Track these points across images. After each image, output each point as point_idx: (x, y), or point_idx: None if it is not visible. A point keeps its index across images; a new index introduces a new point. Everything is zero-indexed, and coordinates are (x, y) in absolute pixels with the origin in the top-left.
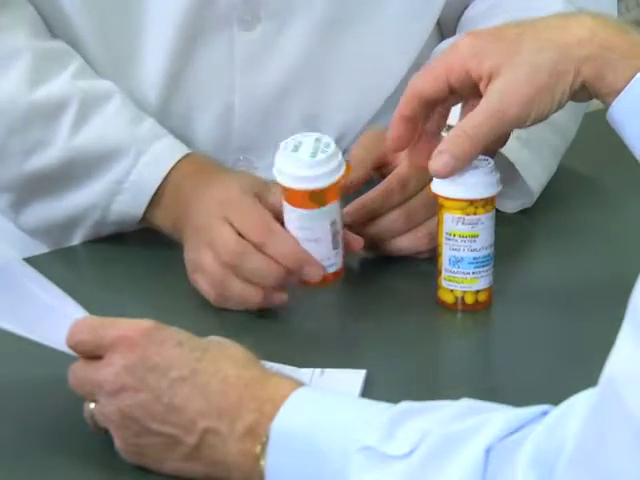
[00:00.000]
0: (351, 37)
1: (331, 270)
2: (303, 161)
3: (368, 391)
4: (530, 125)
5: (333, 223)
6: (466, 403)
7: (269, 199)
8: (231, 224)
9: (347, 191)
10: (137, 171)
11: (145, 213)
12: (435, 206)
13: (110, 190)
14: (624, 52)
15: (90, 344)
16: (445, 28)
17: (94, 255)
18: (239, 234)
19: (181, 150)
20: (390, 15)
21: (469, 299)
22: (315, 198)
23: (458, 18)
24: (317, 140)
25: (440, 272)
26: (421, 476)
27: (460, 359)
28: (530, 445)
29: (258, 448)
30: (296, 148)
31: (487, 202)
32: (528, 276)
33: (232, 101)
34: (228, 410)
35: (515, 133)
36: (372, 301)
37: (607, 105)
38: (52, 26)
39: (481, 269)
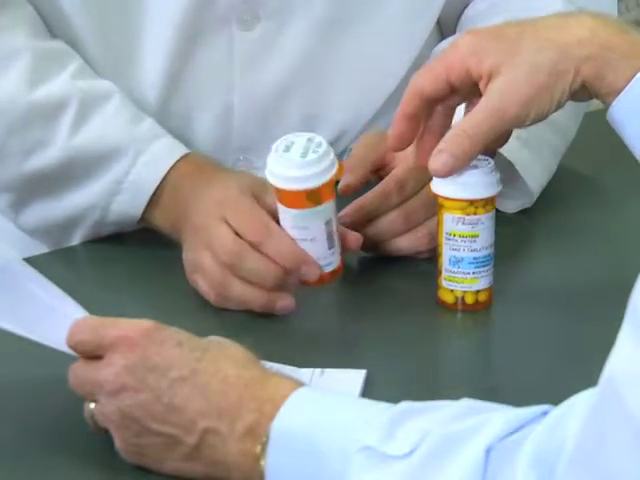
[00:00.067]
0: (351, 37)
1: (328, 269)
2: (294, 161)
3: (368, 391)
4: (530, 124)
5: (328, 222)
6: (466, 403)
7: (267, 199)
8: (229, 224)
9: (346, 193)
10: (136, 171)
11: (144, 213)
12: (434, 206)
13: (109, 190)
14: (624, 52)
15: (90, 344)
16: (445, 27)
17: (94, 255)
18: (237, 234)
19: (180, 150)
20: (390, 15)
21: (469, 299)
22: (308, 198)
23: (458, 17)
24: (309, 140)
25: (440, 272)
26: (421, 476)
27: (460, 359)
28: (530, 445)
29: (258, 448)
30: (287, 148)
31: (487, 202)
32: (528, 276)
33: (232, 101)
34: (228, 410)
35: (515, 133)
36: (372, 301)
37: (607, 105)
38: (51, 26)
39: (481, 269)
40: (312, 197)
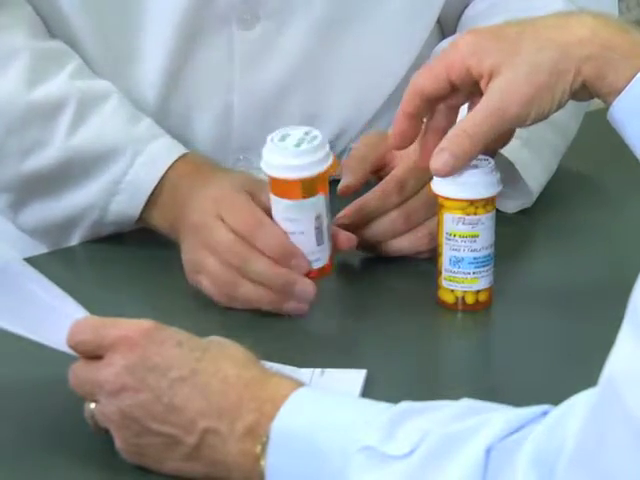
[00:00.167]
0: (351, 36)
1: (315, 266)
2: (288, 150)
3: (368, 391)
4: (530, 124)
5: (318, 217)
6: (466, 403)
7: (262, 197)
8: (224, 220)
9: (345, 193)
10: (134, 171)
11: (142, 213)
12: (435, 206)
13: (108, 190)
14: (625, 52)
15: (90, 344)
16: (446, 27)
17: (93, 255)
18: (234, 232)
19: (178, 150)
20: (390, 14)
21: (469, 299)
22: (302, 188)
23: (458, 17)
24: (305, 133)
25: (440, 272)
26: (421, 476)
27: (460, 359)
28: (530, 445)
29: (258, 448)
30: (283, 138)
31: (487, 202)
32: (528, 276)
33: (231, 100)
34: (228, 410)
35: (515, 132)
36: (372, 301)
37: (608, 105)
38: (50, 26)
39: (481, 269)
40: (305, 187)
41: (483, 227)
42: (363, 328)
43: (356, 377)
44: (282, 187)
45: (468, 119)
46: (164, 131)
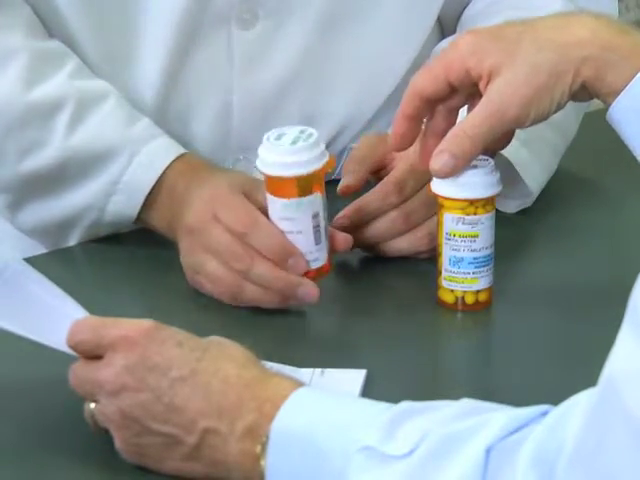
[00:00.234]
0: (350, 35)
1: (314, 266)
2: (283, 148)
3: (368, 391)
4: (530, 125)
5: (315, 216)
6: (466, 403)
7: (257, 197)
8: (219, 221)
9: (345, 194)
10: (131, 171)
11: (140, 213)
12: (434, 206)
13: (105, 191)
14: (625, 52)
15: (90, 344)
16: (445, 26)
17: (93, 255)
18: (230, 232)
19: (175, 150)
20: (389, 13)
21: (469, 299)
22: (297, 186)
23: (458, 16)
24: (301, 131)
25: (440, 272)
26: (421, 476)
27: (460, 359)
28: (530, 445)
29: (258, 448)
30: (279, 137)
31: (487, 202)
32: (528, 276)
33: (231, 100)
34: (228, 410)
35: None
36: (372, 301)
37: (608, 105)
38: (49, 26)
39: (481, 269)
40: (301, 185)
41: (483, 227)
42: (363, 328)
43: (356, 377)
44: (278, 185)
45: (468, 120)
46: (162, 131)
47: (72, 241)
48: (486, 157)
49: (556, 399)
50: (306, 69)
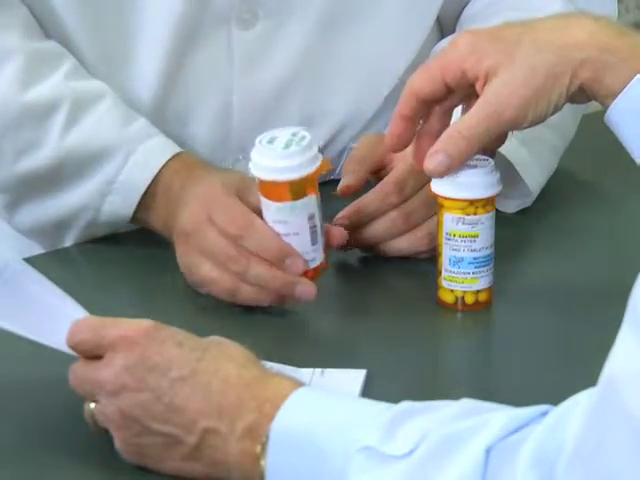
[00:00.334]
0: (350, 35)
1: (311, 266)
2: (277, 152)
3: (368, 391)
4: (527, 127)
5: (311, 217)
6: (466, 403)
7: (251, 198)
8: (214, 223)
9: (345, 194)
10: (127, 171)
11: (137, 213)
12: (434, 206)
13: (101, 190)
14: (623, 55)
15: (90, 344)
16: (445, 26)
17: (92, 256)
18: (225, 235)
19: (171, 149)
20: (389, 13)
21: (469, 299)
22: (291, 190)
23: (458, 16)
24: (293, 134)
25: (440, 272)
26: (421, 476)
27: (460, 359)
28: (530, 445)
29: (258, 448)
30: (271, 141)
31: (487, 202)
32: (528, 276)
33: (230, 100)
34: (228, 410)
35: (514, 133)
36: (372, 301)
37: (606, 107)
38: (45, 26)
39: (481, 269)
40: (295, 189)
41: (483, 227)
42: (363, 328)
43: (356, 377)
44: (271, 189)
45: (464, 120)
46: (158, 131)
47: (69, 241)
48: (486, 157)
49: (556, 399)
50: (306, 69)
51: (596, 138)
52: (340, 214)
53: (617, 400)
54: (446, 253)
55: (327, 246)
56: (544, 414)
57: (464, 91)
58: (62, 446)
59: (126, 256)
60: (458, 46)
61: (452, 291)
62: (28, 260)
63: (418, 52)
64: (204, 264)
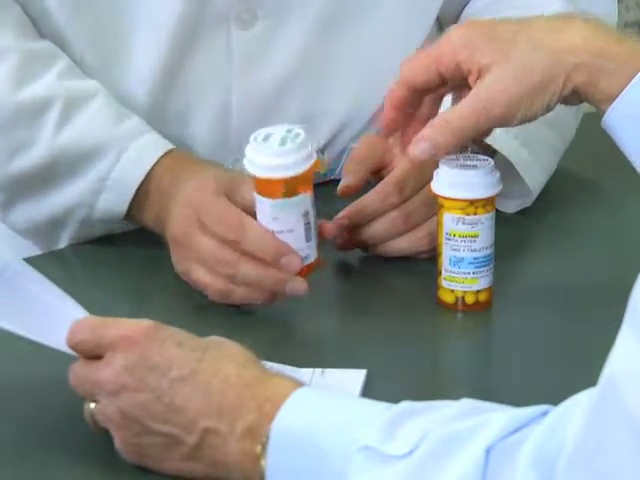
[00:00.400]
0: (349, 35)
1: (306, 262)
2: (272, 150)
3: (368, 391)
4: (517, 124)
5: (305, 214)
6: (466, 403)
7: (239, 196)
8: (206, 227)
9: (346, 194)
10: (119, 168)
11: (131, 211)
12: (434, 206)
13: (94, 188)
14: (618, 59)
15: (90, 344)
16: (445, 25)
17: (91, 256)
18: (219, 239)
19: (163, 146)
20: (388, 12)
21: (469, 299)
22: (286, 187)
23: (458, 15)
24: (288, 131)
25: (440, 272)
26: (421, 476)
27: (460, 359)
28: (530, 445)
29: (258, 448)
30: (266, 138)
31: (487, 202)
32: (528, 276)
33: (230, 100)
34: (228, 410)
35: (513, 132)
36: (372, 301)
37: (601, 112)
38: (39, 26)
39: (481, 269)
40: (289, 186)
41: (483, 227)
42: (363, 328)
43: (356, 377)
44: (266, 187)
45: (454, 112)
46: (150, 128)
47: (64, 241)
48: (486, 157)
49: (556, 399)
50: (305, 69)
51: (596, 138)
52: (340, 214)
53: (617, 400)
54: (446, 253)
55: (320, 242)
56: (544, 414)
57: (458, 82)
58: (62, 446)
59: (125, 256)
60: (451, 38)
61: (452, 291)
62: (28, 260)
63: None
64: (197, 270)
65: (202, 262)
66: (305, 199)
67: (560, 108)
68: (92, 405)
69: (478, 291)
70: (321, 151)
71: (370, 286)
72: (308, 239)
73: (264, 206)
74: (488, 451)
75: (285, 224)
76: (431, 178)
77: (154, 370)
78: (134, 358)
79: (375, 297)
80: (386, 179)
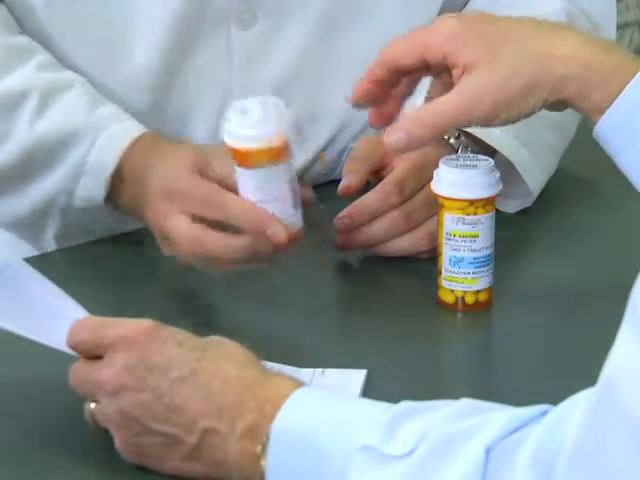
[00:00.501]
0: (349, 35)
1: (293, 229)
2: (251, 120)
3: (368, 391)
4: (497, 125)
5: (290, 181)
6: (466, 403)
7: (210, 172)
8: (183, 210)
9: (346, 194)
10: (94, 153)
11: (110, 197)
12: (434, 206)
13: (72, 175)
14: (606, 72)
15: (90, 344)
16: None
17: (91, 256)
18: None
19: (136, 130)
20: (388, 12)
21: (469, 299)
22: (269, 155)
23: None
24: (263, 101)
25: (440, 272)
26: (421, 476)
27: (460, 359)
28: (530, 445)
29: (258, 448)
30: (244, 109)
31: (487, 202)
32: (528, 276)
33: (230, 100)
34: (228, 410)
35: (513, 132)
36: (372, 301)
37: (592, 121)
38: (25, 26)
39: (481, 269)
40: (273, 154)
41: (483, 227)
42: (363, 328)
43: (356, 377)
44: (249, 157)
45: (435, 106)
46: (128, 115)
47: (49, 234)
48: (486, 157)
49: (556, 399)
50: (305, 69)
51: None
52: (341, 214)
53: (616, 400)
54: (446, 253)
55: (303, 207)
56: (544, 414)
57: (441, 70)
58: (62, 446)
59: (126, 257)
60: (442, 28)
61: (452, 291)
62: (28, 260)
63: None
64: (179, 253)
65: (178, 245)
66: (289, 166)
67: None
68: (92, 405)
69: (478, 291)
70: (323, 150)
71: (370, 286)
72: (295, 206)
73: (246, 177)
74: (488, 451)
75: (270, 193)
76: (431, 178)
77: (154, 370)
78: (134, 358)
79: (375, 297)
80: (386, 179)
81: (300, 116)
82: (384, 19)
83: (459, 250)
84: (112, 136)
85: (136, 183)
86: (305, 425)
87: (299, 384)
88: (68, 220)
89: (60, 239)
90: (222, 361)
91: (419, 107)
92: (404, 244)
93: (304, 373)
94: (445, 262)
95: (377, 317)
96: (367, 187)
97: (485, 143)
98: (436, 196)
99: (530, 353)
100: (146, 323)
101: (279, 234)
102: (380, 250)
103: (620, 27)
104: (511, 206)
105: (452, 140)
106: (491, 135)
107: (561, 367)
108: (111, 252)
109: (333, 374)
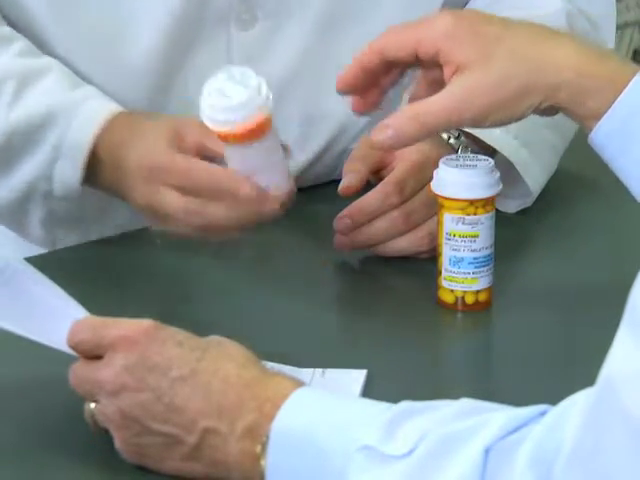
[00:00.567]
0: (349, 35)
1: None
2: (231, 102)
3: (368, 391)
4: (487, 127)
5: (277, 148)
6: (466, 403)
7: (185, 145)
8: (173, 185)
9: (347, 194)
10: (71, 134)
11: (89, 178)
12: (434, 206)
13: (50, 158)
14: (599, 79)
15: (90, 344)
16: None
17: (91, 256)
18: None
19: (109, 110)
20: (388, 13)
21: (469, 299)
22: (253, 131)
23: None
24: (232, 76)
25: (440, 272)
26: (420, 476)
27: (460, 359)
28: (529, 445)
29: (258, 448)
30: (220, 89)
31: (487, 202)
32: (528, 276)
33: None
34: (228, 410)
35: (513, 132)
36: (372, 301)
37: (587, 129)
38: (19, 26)
39: (481, 269)
40: (257, 130)
41: (483, 227)
42: (363, 328)
43: (356, 377)
44: (234, 137)
45: (425, 105)
46: (103, 95)
47: (34, 223)
48: (486, 157)
49: (556, 399)
50: (305, 69)
51: None
52: (341, 214)
53: (615, 400)
54: (446, 253)
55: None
56: (543, 414)
57: (432, 66)
58: (62, 446)
59: (126, 257)
60: (437, 24)
61: (452, 291)
62: (28, 260)
63: None
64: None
65: (180, 212)
66: (273, 135)
67: None
68: (92, 405)
69: (478, 291)
70: (323, 150)
71: (370, 286)
72: (284, 171)
73: (232, 152)
74: (487, 451)
75: (259, 164)
76: (431, 178)
77: (154, 370)
78: (134, 358)
79: (375, 297)
80: (386, 179)
81: (300, 116)
82: (384, 19)
83: (459, 250)
84: (86, 116)
85: (112, 163)
86: (305, 425)
87: (299, 384)
88: (52, 207)
89: (47, 226)
90: (222, 361)
91: (409, 106)
92: (404, 244)
93: (304, 373)
94: (445, 262)
95: (377, 317)
96: (367, 187)
97: (485, 143)
98: (436, 196)
99: (530, 353)
100: (146, 323)
101: (269, 207)
102: (380, 250)
103: (620, 27)
104: (511, 206)
105: (452, 140)
106: (491, 135)
107: (561, 367)
108: (111, 252)
109: (333, 374)
